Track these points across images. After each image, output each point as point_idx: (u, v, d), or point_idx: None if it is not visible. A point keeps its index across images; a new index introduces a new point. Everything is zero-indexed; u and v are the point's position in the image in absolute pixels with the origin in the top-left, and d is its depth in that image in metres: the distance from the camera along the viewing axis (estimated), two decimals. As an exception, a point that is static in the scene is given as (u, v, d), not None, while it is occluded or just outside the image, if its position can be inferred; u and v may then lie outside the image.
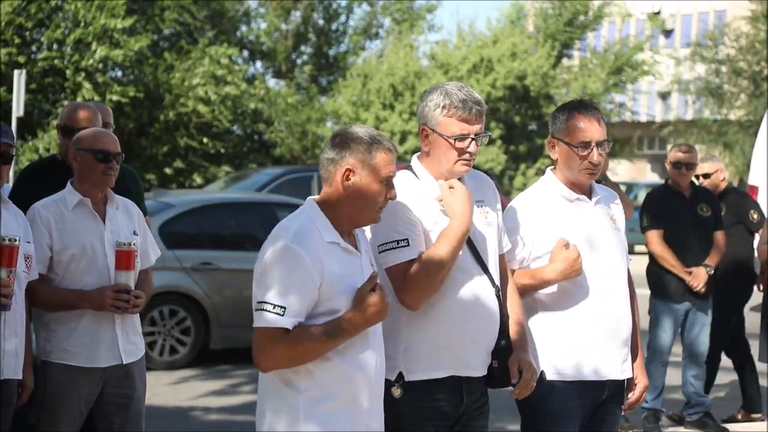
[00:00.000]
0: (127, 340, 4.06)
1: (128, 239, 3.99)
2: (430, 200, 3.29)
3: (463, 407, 3.30)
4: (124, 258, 3.95)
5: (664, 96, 35.70)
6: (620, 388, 3.73)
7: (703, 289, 6.58)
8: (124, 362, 4.05)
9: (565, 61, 29.32)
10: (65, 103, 20.07)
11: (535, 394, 3.41)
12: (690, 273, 6.58)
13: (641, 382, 3.78)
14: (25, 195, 4.41)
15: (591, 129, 3.60)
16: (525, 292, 3.59)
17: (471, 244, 3.30)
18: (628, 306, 3.71)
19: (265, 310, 2.86)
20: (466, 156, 3.29)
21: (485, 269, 3.31)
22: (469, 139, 3.25)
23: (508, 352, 3.33)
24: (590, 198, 3.72)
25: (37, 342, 4.08)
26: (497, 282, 3.35)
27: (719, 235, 6.74)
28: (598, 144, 3.61)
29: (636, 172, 36.25)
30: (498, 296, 3.34)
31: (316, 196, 3.09)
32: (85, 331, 3.98)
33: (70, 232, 4.00)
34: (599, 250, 3.65)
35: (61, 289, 3.98)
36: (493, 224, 3.41)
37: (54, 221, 3.99)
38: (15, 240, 3.67)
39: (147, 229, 4.29)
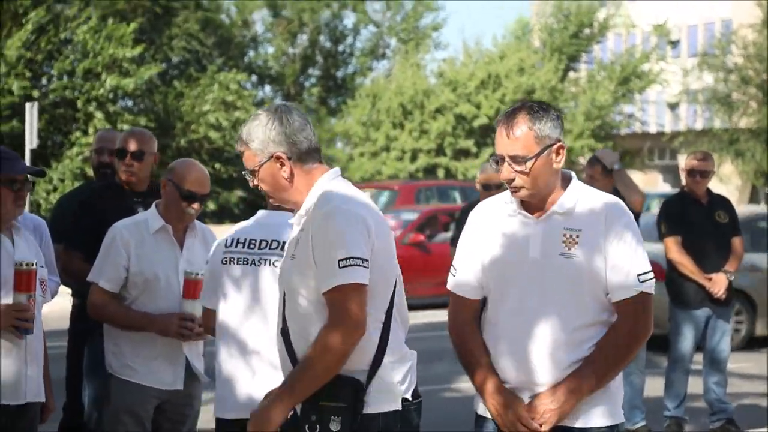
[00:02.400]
0: (191, 363, 4.14)
1: (196, 269, 4.00)
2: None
3: None
4: (192, 287, 4.00)
5: (673, 106, 35.70)
6: None
7: (723, 296, 6.57)
8: (184, 386, 4.14)
9: (572, 74, 29.36)
10: (77, 134, 20.23)
11: None
12: (710, 279, 6.57)
13: (549, 406, 3.01)
14: (85, 223, 4.55)
15: (499, 142, 3.02)
16: None
17: None
18: (552, 348, 2.99)
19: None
20: None
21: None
22: None
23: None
24: (541, 214, 3.04)
25: (105, 355, 4.18)
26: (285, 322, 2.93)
27: (737, 241, 6.74)
28: (508, 158, 2.99)
29: (648, 182, 36.22)
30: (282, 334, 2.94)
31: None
32: (153, 352, 4.08)
33: (148, 257, 4.07)
34: (515, 282, 3.03)
35: (132, 310, 4.08)
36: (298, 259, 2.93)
37: (134, 244, 4.07)
38: (32, 264, 3.69)
39: None
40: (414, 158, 25.99)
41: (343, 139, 28.61)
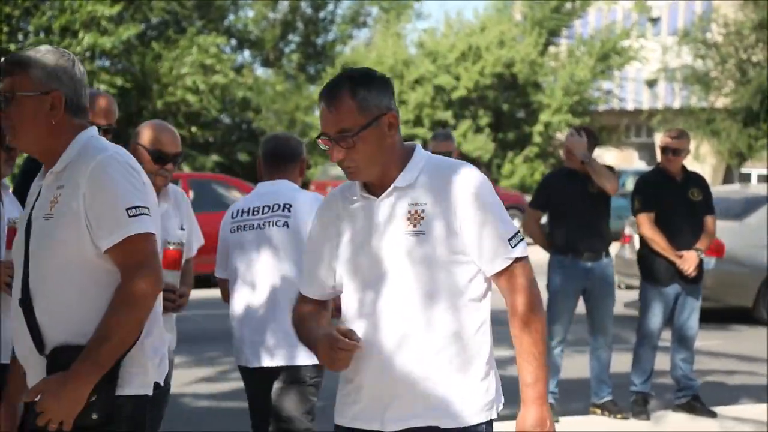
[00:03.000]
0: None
1: (177, 239, 3.87)
2: None
3: None
4: (172, 258, 3.88)
5: (651, 84, 35.78)
6: None
7: (693, 273, 6.63)
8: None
9: (552, 49, 29.35)
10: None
11: None
12: (681, 257, 6.62)
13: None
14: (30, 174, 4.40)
15: (322, 118, 2.68)
16: None
17: None
18: (402, 342, 2.65)
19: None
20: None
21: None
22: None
23: None
24: (381, 193, 2.71)
25: None
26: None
27: (710, 220, 6.79)
28: (334, 135, 2.64)
29: (623, 159, 36.35)
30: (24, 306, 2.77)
31: None
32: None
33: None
34: (360, 271, 2.71)
35: None
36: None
37: None
38: (181, 243, 3.78)
39: (193, 219, 4.17)
40: (392, 128, 25.96)
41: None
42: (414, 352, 2.65)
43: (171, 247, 3.86)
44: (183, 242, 3.87)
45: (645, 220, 6.72)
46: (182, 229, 4.01)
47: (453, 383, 2.67)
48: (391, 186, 2.69)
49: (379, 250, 2.67)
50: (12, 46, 19.76)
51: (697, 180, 6.88)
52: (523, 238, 2.71)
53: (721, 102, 27.70)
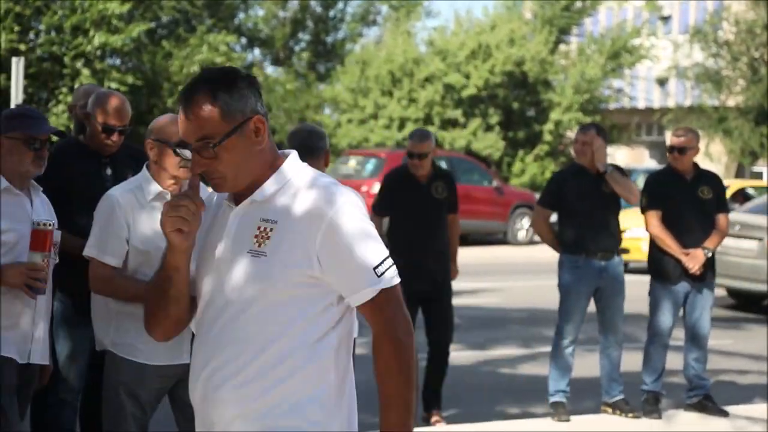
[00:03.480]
0: None
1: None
2: None
3: None
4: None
5: (662, 82, 35.68)
6: None
7: (698, 271, 6.60)
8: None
9: (562, 47, 29.30)
10: (64, 90, 20.10)
11: None
12: (687, 254, 6.60)
13: None
14: (51, 177, 4.41)
15: (181, 126, 2.43)
16: None
17: None
18: (234, 372, 2.40)
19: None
20: None
21: None
22: None
23: None
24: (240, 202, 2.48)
25: (96, 332, 3.95)
26: None
27: (722, 218, 6.75)
28: (195, 144, 2.39)
29: (634, 158, 36.26)
30: None
31: None
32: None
33: (147, 227, 3.79)
34: (203, 286, 2.49)
35: (141, 280, 3.75)
36: None
37: (132, 213, 3.80)
38: (49, 225, 3.62)
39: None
40: (402, 127, 25.92)
41: (331, 105, 28.50)
42: (236, 379, 2.37)
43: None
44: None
45: (651, 218, 6.71)
46: None
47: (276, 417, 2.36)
48: (250, 197, 2.42)
49: (219, 265, 2.42)
50: (22, 46, 19.81)
51: (710, 178, 6.84)
52: (392, 265, 2.42)
53: (732, 100, 27.62)
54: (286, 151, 2.51)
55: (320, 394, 2.39)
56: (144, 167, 3.96)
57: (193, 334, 2.76)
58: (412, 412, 2.41)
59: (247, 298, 2.38)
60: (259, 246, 2.38)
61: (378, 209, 6.62)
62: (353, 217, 2.38)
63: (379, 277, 2.38)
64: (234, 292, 2.39)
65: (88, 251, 3.87)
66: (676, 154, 6.70)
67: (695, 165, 6.80)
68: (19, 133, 3.75)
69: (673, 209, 6.68)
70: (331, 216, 2.36)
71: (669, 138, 6.84)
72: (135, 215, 3.82)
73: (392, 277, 2.40)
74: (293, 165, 2.46)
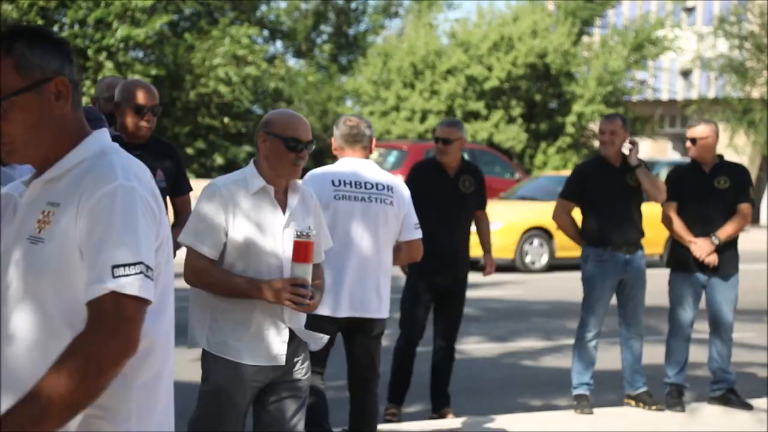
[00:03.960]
0: (296, 334, 3.75)
1: (308, 230, 3.61)
2: None
3: None
4: (303, 249, 3.57)
5: (686, 73, 35.46)
6: None
7: (711, 261, 6.57)
8: (288, 358, 3.73)
9: (585, 39, 29.14)
10: (87, 83, 20.20)
11: None
12: (695, 243, 6.58)
13: None
14: None
15: None
16: None
17: None
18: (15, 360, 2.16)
19: None
20: None
21: None
22: None
23: None
24: None
25: (193, 329, 3.80)
26: None
27: (742, 207, 6.70)
28: None
29: (657, 150, 36.07)
30: None
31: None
32: (253, 328, 3.68)
33: (249, 220, 3.68)
34: None
35: (237, 275, 3.66)
36: None
37: (234, 205, 3.67)
38: (312, 233, 3.57)
39: (322, 220, 3.93)
40: (424, 119, 25.89)
41: (353, 98, 28.49)
42: (14, 380, 2.13)
43: (302, 238, 3.57)
44: (313, 234, 3.59)
45: (666, 210, 6.69)
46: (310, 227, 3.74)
47: None
48: (40, 177, 2.17)
49: (7, 253, 2.17)
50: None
51: (730, 168, 6.79)
52: (141, 274, 2.07)
53: (757, 92, 27.40)
54: (98, 131, 2.24)
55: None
56: (251, 162, 3.83)
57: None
58: (50, 423, 2.01)
59: (22, 286, 2.13)
60: (39, 232, 2.12)
61: None
62: (123, 205, 2.07)
63: (114, 278, 2.03)
64: (13, 282, 2.15)
65: (185, 238, 3.72)
66: (689, 145, 6.70)
67: (719, 156, 6.76)
68: None
69: (688, 200, 6.67)
70: (98, 197, 2.08)
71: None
72: (235, 206, 3.68)
73: (131, 285, 2.04)
74: (95, 141, 2.18)
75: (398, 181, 4.99)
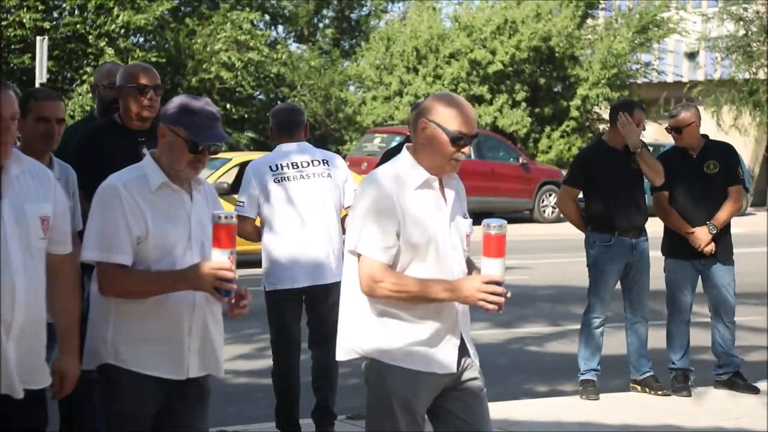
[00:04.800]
0: (465, 342, 3.54)
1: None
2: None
3: None
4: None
5: (692, 55, 35.28)
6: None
7: (707, 250, 6.50)
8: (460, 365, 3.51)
9: (589, 21, 28.99)
10: (88, 69, 20.13)
11: None
12: (692, 234, 6.52)
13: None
14: (85, 158, 4.35)
15: None
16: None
17: None
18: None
19: None
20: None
21: None
22: None
23: None
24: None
25: (347, 338, 3.49)
26: None
27: (732, 190, 6.61)
28: None
29: (662, 133, 35.93)
30: None
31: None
32: (432, 334, 3.42)
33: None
34: None
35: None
36: None
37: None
38: (232, 217, 3.22)
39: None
40: (427, 103, 25.77)
41: (355, 83, 28.38)
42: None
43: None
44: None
45: (657, 199, 6.63)
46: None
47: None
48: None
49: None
50: (47, 24, 19.84)
51: (718, 150, 6.68)
52: None
53: (763, 73, 27.25)
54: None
55: None
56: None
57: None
58: None
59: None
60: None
61: None
62: None
63: None
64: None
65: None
66: (674, 134, 6.62)
67: (704, 137, 6.67)
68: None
69: (679, 188, 6.59)
70: None
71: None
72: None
73: None
74: None
75: (332, 154, 5.56)
